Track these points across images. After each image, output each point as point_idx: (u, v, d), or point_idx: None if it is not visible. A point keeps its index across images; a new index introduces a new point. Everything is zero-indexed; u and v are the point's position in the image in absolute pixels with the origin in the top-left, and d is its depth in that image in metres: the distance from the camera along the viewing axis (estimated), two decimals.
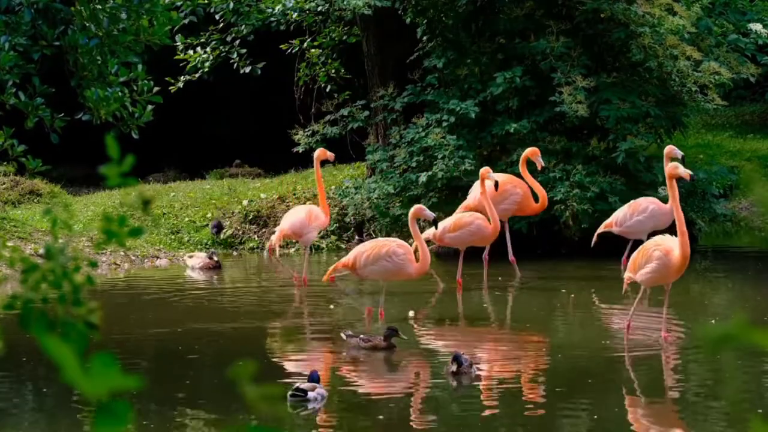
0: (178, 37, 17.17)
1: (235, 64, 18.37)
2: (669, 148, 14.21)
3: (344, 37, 19.63)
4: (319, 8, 18.21)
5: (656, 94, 16.52)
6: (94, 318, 2.70)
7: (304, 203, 17.64)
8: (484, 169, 14.02)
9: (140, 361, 10.63)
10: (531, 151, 14.95)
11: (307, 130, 17.80)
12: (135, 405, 8.53)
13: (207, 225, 18.10)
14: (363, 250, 12.13)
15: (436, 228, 13.46)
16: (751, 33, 20.18)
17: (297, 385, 8.83)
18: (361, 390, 9.60)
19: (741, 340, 2.26)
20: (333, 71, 19.69)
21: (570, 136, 16.70)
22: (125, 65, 9.42)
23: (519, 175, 15.17)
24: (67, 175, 22.05)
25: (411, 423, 8.47)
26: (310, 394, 8.73)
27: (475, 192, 14.74)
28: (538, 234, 16.46)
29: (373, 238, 17.02)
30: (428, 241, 13.55)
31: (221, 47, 18.47)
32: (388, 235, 16.40)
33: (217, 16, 17.87)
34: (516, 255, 14.96)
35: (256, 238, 18.00)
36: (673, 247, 10.67)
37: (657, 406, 9.03)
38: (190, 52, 18.46)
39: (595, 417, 8.54)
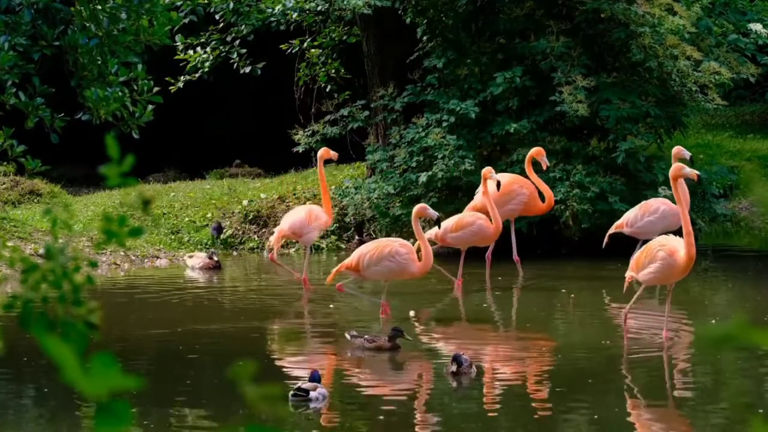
0: (178, 37, 17.16)
1: (235, 64, 18.36)
2: (677, 149, 14.23)
3: (344, 37, 19.63)
4: (319, 8, 18.21)
5: (656, 94, 16.52)
6: (94, 318, 2.70)
7: (304, 203, 17.65)
8: (487, 169, 14.00)
9: (140, 361, 10.63)
10: (536, 151, 14.94)
11: (307, 130, 17.80)
12: (135, 405, 8.53)
13: (207, 225, 18.10)
14: (365, 251, 12.11)
15: (439, 227, 13.44)
16: (751, 33, 20.18)
17: (299, 384, 8.82)
18: (361, 390, 9.59)
19: (741, 340, 2.26)
20: (333, 71, 19.69)
21: (570, 136, 16.70)
22: (125, 65, 9.41)
23: (523, 175, 15.17)
24: (67, 175, 22.06)
25: (411, 423, 8.47)
26: (312, 394, 8.73)
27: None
28: (538, 234, 16.46)
29: (373, 238, 17.03)
30: (430, 241, 13.54)
31: (221, 47, 18.47)
32: (388, 235, 16.40)
33: (217, 16, 17.87)
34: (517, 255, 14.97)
35: (256, 238, 18.00)
36: (678, 247, 10.65)
37: (657, 406, 9.03)
38: (190, 52, 18.46)
39: (596, 417, 8.54)
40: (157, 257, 16.88)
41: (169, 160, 23.66)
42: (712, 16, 18.79)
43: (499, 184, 14.05)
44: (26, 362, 10.26)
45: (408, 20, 17.27)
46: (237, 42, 18.35)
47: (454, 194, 16.56)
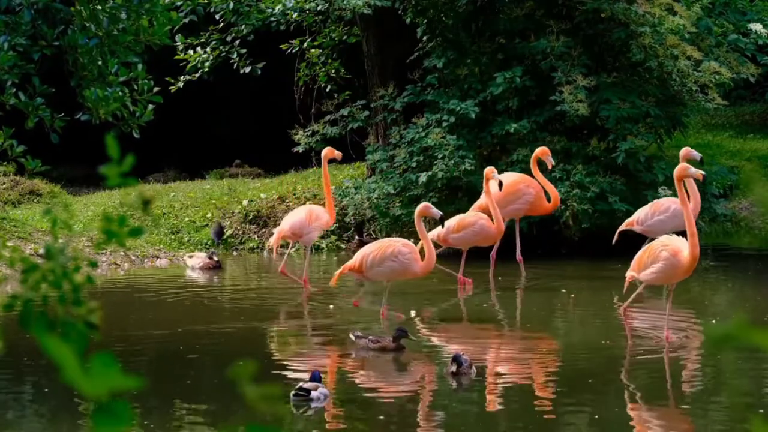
0: (178, 37, 17.16)
1: (235, 64, 18.36)
2: (686, 150, 14.26)
3: (344, 37, 19.63)
4: (319, 8, 18.20)
5: (656, 94, 16.52)
6: (94, 318, 2.70)
7: (304, 203, 17.65)
8: (489, 169, 13.99)
9: (140, 361, 10.62)
10: (541, 151, 14.94)
11: (307, 130, 17.80)
12: (135, 405, 8.53)
13: (207, 225, 18.10)
14: (368, 252, 12.08)
15: (443, 226, 13.40)
16: (751, 33, 20.18)
17: (300, 384, 8.82)
18: (362, 389, 9.59)
19: (741, 340, 2.26)
20: (333, 71, 19.69)
21: (570, 136, 16.71)
22: (125, 65, 9.41)
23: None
24: (67, 175, 22.05)
25: (412, 422, 8.47)
26: (314, 394, 8.73)
27: None
28: (538, 234, 16.46)
29: (374, 237, 17.02)
30: (433, 242, 13.54)
31: (221, 47, 18.47)
32: (388, 235, 16.40)
33: (217, 16, 17.87)
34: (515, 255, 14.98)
35: (256, 238, 18.00)
36: (681, 247, 10.63)
37: (657, 405, 9.03)
38: (190, 52, 18.46)
39: (596, 417, 8.54)
40: (157, 257, 16.88)
41: (169, 160, 23.66)
42: (712, 16, 18.79)
43: (501, 183, 14.04)
44: (26, 362, 10.26)
45: (408, 20, 17.27)
46: (237, 42, 18.35)
47: (454, 194, 16.56)
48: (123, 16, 9.25)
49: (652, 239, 12.92)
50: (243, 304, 13.56)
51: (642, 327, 11.71)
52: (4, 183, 19.56)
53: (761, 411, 8.58)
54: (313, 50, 19.72)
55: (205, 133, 24.80)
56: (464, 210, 15.07)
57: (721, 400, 9.09)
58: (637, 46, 16.20)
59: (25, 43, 9.21)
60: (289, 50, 19.75)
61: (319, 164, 20.54)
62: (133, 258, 16.67)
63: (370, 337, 10.73)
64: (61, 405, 8.91)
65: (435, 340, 11.55)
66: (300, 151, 17.81)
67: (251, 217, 18.26)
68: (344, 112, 17.64)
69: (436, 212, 12.10)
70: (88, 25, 9.17)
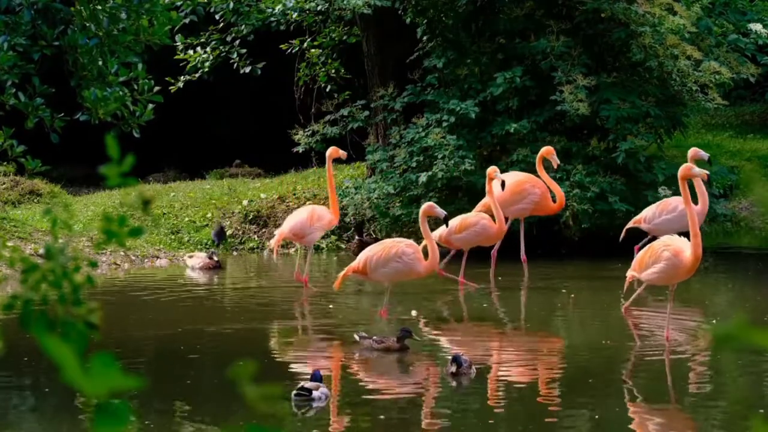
0: (178, 37, 17.16)
1: (235, 64, 18.36)
2: (693, 150, 14.28)
3: (344, 37, 19.63)
4: (319, 8, 18.20)
5: (656, 94, 16.52)
6: (94, 318, 2.70)
7: (304, 203, 17.65)
8: (492, 169, 13.98)
9: (140, 361, 10.62)
10: (546, 150, 14.94)
11: (307, 130, 17.81)
12: (135, 405, 8.53)
13: (207, 225, 18.10)
14: (372, 254, 12.03)
15: (447, 226, 13.36)
16: (751, 33, 20.17)
17: (301, 384, 8.82)
18: (363, 389, 9.59)
19: (741, 340, 2.26)
20: (333, 71, 19.69)
21: (570, 136, 16.71)
22: (125, 65, 9.41)
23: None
24: (67, 175, 22.05)
25: (412, 422, 8.47)
26: (315, 393, 8.73)
27: None
28: (538, 234, 16.46)
29: (373, 237, 17.02)
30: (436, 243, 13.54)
31: (221, 47, 18.47)
32: (388, 235, 16.40)
33: (217, 16, 17.87)
34: (517, 255, 14.97)
35: (256, 238, 18.00)
36: (683, 248, 10.62)
37: (658, 405, 9.02)
38: (190, 52, 18.46)
39: (596, 417, 8.54)
40: (157, 257, 16.88)
41: (169, 160, 23.66)
42: (712, 16, 18.79)
43: (503, 183, 14.04)
44: (26, 362, 10.26)
45: (408, 20, 17.27)
46: (237, 42, 18.35)
47: (455, 194, 16.56)
48: (123, 16, 9.25)
49: (652, 239, 12.93)
50: (243, 304, 13.55)
51: (643, 327, 11.70)
52: (4, 183, 19.56)
53: (761, 411, 8.58)
54: (313, 50, 19.72)
55: (205, 133, 24.81)
56: (464, 210, 15.07)
57: (721, 400, 9.09)
58: (637, 46, 16.20)
59: (25, 43, 9.21)
60: (289, 50, 19.75)
61: (319, 164, 20.61)
62: (133, 258, 16.67)
63: (375, 337, 10.73)
64: (61, 405, 8.91)
65: (435, 340, 11.54)
66: (300, 151, 17.82)
67: (251, 217, 18.26)
68: (344, 112, 17.64)
69: (441, 212, 12.06)
70: (88, 25, 9.18)
